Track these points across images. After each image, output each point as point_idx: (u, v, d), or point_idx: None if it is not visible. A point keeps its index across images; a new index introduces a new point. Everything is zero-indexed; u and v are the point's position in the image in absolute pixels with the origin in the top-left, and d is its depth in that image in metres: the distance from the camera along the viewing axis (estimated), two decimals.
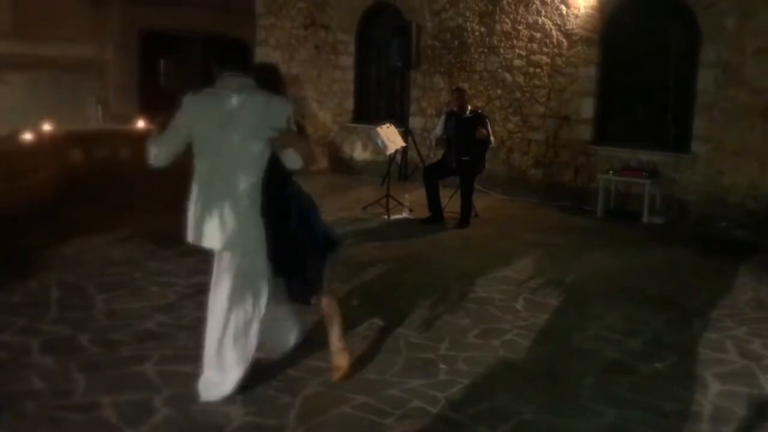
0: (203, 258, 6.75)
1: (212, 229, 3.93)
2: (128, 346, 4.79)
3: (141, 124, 12.12)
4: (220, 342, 4.10)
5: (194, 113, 3.92)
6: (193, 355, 4.62)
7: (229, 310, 4.06)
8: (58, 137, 10.43)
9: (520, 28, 11.21)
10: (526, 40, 11.16)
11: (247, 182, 3.95)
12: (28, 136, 9.29)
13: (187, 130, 3.93)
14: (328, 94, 13.64)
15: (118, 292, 5.92)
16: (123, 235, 7.70)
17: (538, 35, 11.02)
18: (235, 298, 4.06)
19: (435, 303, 5.95)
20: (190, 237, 4.02)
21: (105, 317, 5.36)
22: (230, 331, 4.09)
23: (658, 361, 4.90)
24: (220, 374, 4.12)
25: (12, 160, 8.76)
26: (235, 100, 3.89)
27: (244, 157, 3.94)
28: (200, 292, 5.88)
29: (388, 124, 10.00)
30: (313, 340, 5.00)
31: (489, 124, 9.27)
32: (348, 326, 5.15)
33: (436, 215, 9.15)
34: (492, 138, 9.21)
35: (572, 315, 5.80)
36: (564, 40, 10.78)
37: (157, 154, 3.96)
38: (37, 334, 4.94)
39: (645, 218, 9.63)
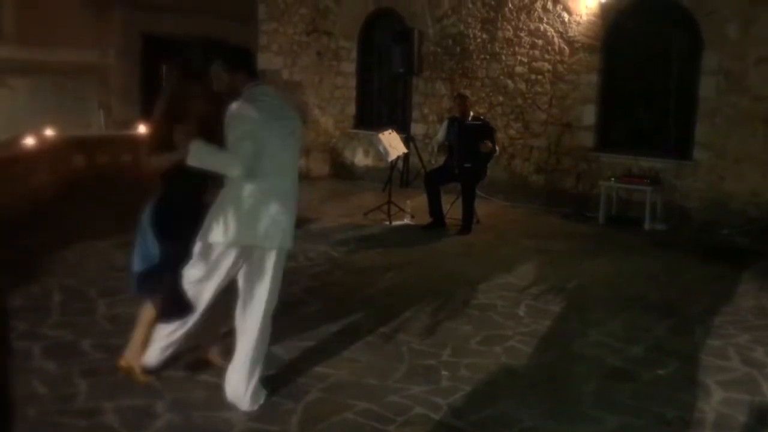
0: None
1: (277, 230, 4.02)
2: None
3: (143, 128, 12.13)
4: (263, 341, 4.14)
5: (264, 125, 3.91)
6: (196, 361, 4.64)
7: (269, 307, 4.14)
8: (61, 142, 10.45)
9: (522, 35, 11.22)
10: (527, 47, 11.17)
11: (296, 186, 4.21)
12: (30, 141, 9.31)
13: (258, 141, 3.89)
14: (330, 100, 13.66)
15: (120, 296, 5.90)
16: (125, 239, 7.63)
17: (539, 42, 11.04)
18: (274, 295, 4.15)
19: (437, 309, 5.95)
20: (244, 238, 3.98)
21: (107, 322, 5.36)
22: (268, 328, 4.18)
23: (660, 368, 4.90)
24: (256, 377, 4.14)
25: (14, 165, 8.77)
26: (291, 113, 4.21)
27: (295, 165, 4.23)
28: None
29: (389, 131, 10.01)
30: (315, 348, 5.01)
31: (495, 134, 9.29)
32: (350, 333, 5.15)
33: (437, 221, 9.15)
34: (497, 148, 9.23)
35: (574, 321, 5.81)
36: (566, 47, 10.79)
37: (245, 169, 3.86)
38: (39, 339, 4.95)
39: (647, 225, 9.62)
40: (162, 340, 4.29)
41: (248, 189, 3.96)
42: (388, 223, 9.29)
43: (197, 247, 4.07)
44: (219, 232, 3.96)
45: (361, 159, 13.31)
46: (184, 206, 4.23)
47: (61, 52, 14.18)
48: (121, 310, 5.57)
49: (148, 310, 4.39)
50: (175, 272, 4.13)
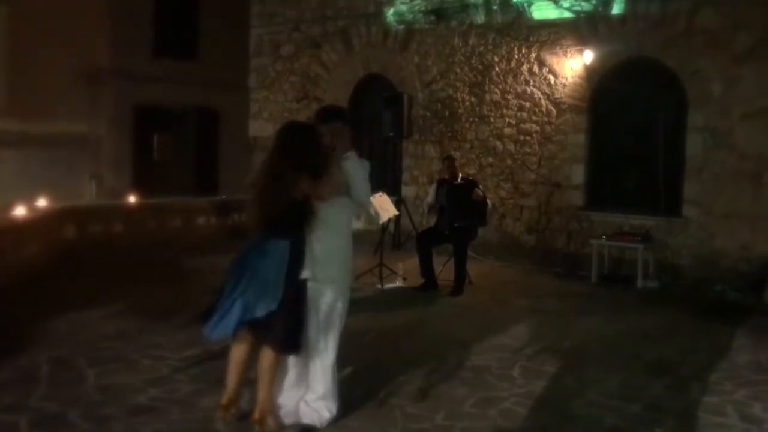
0: (196, 331, 6.71)
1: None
2: (119, 421, 4.69)
3: (134, 198, 12.17)
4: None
5: None
6: (186, 429, 4.55)
7: None
8: (52, 212, 10.45)
9: (510, 97, 11.38)
10: (515, 109, 11.32)
11: None
12: (21, 212, 9.31)
13: None
14: None
15: (110, 366, 5.83)
16: (115, 309, 7.63)
17: (527, 104, 11.19)
18: None
19: (430, 372, 5.87)
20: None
21: (96, 392, 5.26)
22: None
23: (659, 426, 4.82)
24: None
25: (5, 236, 8.74)
26: None
27: None
28: (193, 365, 5.83)
29: (381, 193, 10.00)
30: None
31: (479, 185, 9.42)
32: (341, 397, 5.07)
33: (429, 283, 9.12)
34: (489, 201, 9.32)
35: (570, 381, 5.74)
36: (553, 109, 10.94)
37: None
38: (25, 412, 4.84)
39: (639, 283, 9.61)
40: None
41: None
42: (380, 286, 9.24)
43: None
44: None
45: (352, 222, 13.31)
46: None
47: (53, 123, 14.33)
48: (110, 380, 5.49)
49: (267, 355, 4.53)
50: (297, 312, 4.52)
